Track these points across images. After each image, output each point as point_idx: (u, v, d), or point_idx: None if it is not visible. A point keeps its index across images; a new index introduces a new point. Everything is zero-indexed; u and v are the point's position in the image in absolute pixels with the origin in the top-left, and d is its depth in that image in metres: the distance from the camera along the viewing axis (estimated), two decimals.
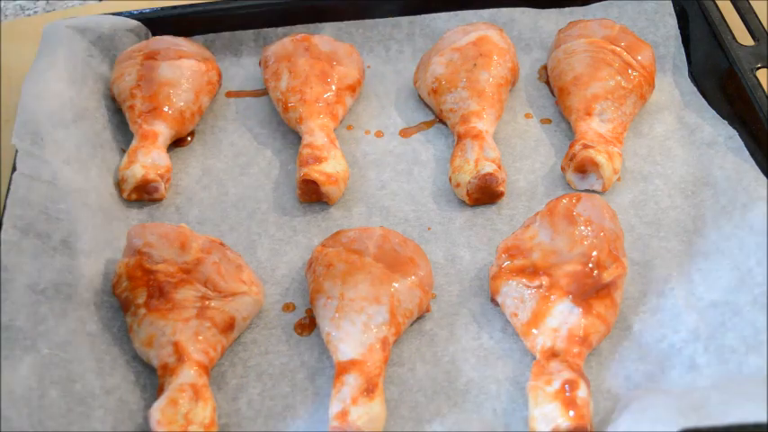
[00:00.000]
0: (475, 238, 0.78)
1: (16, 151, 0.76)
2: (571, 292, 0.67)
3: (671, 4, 0.94)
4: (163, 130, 0.84)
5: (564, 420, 0.61)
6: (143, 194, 0.81)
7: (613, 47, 0.87)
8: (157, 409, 0.61)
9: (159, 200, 0.82)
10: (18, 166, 0.75)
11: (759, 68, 0.83)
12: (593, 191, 0.81)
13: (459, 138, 0.83)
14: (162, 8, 0.95)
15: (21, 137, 0.76)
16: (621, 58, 0.86)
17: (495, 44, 0.88)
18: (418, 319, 0.71)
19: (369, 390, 0.63)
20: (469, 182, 0.79)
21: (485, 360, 0.69)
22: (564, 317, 0.67)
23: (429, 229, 0.79)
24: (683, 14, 0.94)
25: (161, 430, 0.61)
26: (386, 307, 0.68)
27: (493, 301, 0.72)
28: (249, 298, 0.70)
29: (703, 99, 0.88)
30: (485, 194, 0.80)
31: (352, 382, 0.64)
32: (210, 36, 0.96)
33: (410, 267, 0.71)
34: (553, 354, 0.65)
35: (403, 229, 0.78)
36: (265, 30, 0.96)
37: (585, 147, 0.80)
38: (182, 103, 0.85)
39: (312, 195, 0.80)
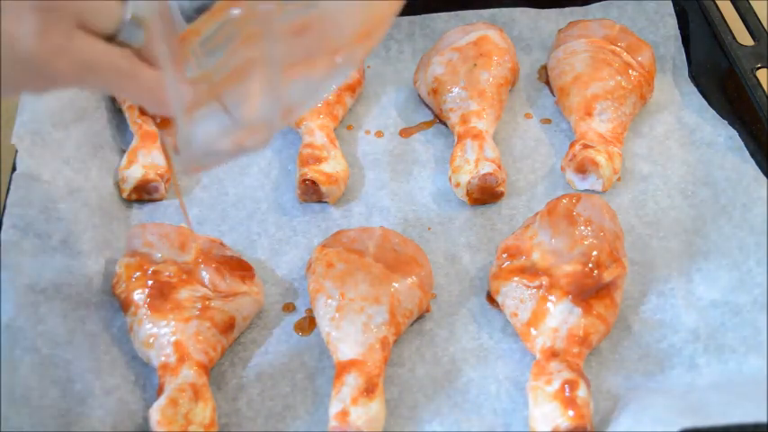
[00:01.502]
0: (475, 238, 0.78)
1: (16, 151, 0.76)
2: (571, 292, 0.67)
3: (671, 4, 0.94)
4: None
5: (564, 420, 0.61)
6: (143, 194, 0.81)
7: (613, 47, 0.87)
8: (157, 409, 0.61)
9: (159, 200, 0.82)
10: (18, 166, 0.75)
11: (759, 68, 0.83)
12: (593, 191, 0.81)
13: (459, 138, 0.83)
14: None
15: (21, 137, 0.76)
16: (621, 59, 0.86)
17: (495, 44, 0.88)
18: (418, 319, 0.71)
19: (369, 390, 0.63)
20: (469, 182, 0.79)
21: (485, 360, 0.69)
22: (564, 317, 0.67)
23: (429, 229, 0.79)
24: (683, 14, 0.94)
25: (161, 430, 0.60)
26: (386, 307, 0.68)
27: (489, 300, 0.72)
28: (249, 298, 0.70)
29: (703, 99, 0.88)
30: (485, 194, 0.80)
31: (352, 381, 0.64)
32: None
33: (410, 267, 0.71)
34: (553, 354, 0.65)
35: (403, 229, 0.78)
36: None
37: (585, 147, 0.80)
38: None
39: (312, 195, 0.80)
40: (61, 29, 0.48)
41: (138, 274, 0.69)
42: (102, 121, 0.85)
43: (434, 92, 0.87)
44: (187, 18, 0.54)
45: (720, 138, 0.83)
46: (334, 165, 0.81)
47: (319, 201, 0.81)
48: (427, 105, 0.90)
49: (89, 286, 0.71)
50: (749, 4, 0.89)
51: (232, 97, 0.53)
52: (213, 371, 0.68)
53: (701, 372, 0.66)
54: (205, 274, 0.69)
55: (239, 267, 0.72)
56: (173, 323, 0.66)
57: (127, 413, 0.64)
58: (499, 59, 0.87)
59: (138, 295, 0.68)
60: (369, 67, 0.94)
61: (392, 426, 0.64)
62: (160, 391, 0.64)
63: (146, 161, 0.81)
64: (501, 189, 0.80)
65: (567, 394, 0.62)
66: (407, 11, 0.97)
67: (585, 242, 0.69)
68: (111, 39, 0.50)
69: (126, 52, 0.51)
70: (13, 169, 0.75)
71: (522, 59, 0.94)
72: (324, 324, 0.68)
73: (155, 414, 0.61)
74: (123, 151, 0.85)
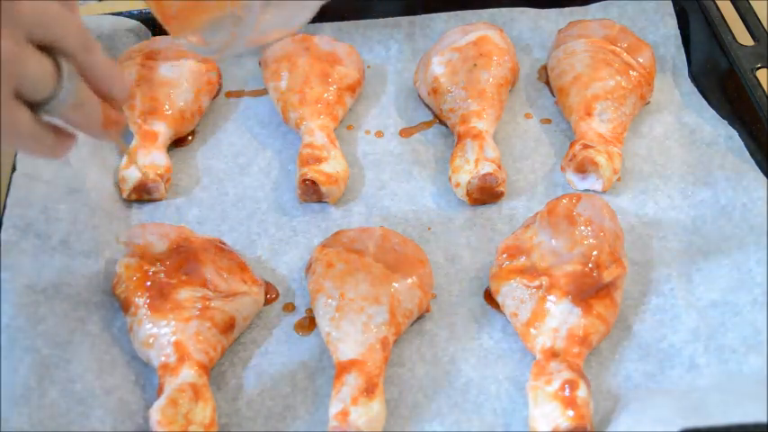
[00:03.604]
0: (475, 238, 0.78)
1: (16, 151, 0.76)
2: (571, 292, 0.67)
3: (671, 4, 0.94)
4: (163, 130, 0.84)
5: (564, 420, 0.61)
6: (143, 194, 0.81)
7: (613, 47, 0.87)
8: (157, 409, 0.61)
9: (159, 200, 0.82)
10: (18, 166, 0.75)
11: (759, 68, 0.83)
12: (593, 191, 0.81)
13: (459, 138, 0.83)
14: None
15: None
16: (621, 59, 0.86)
17: (495, 44, 0.88)
18: (418, 319, 0.71)
19: (369, 390, 0.63)
20: (469, 182, 0.79)
21: (485, 360, 0.69)
22: (564, 317, 0.67)
23: (429, 229, 0.79)
24: (683, 14, 0.94)
25: (161, 430, 0.60)
26: (386, 307, 0.68)
27: (489, 300, 0.72)
28: (249, 298, 0.70)
29: (703, 99, 0.88)
30: (485, 194, 0.80)
31: (352, 381, 0.64)
32: None
33: (410, 267, 0.71)
34: (553, 354, 0.65)
35: (403, 229, 0.78)
36: None
37: (585, 147, 0.80)
38: (182, 103, 0.86)
39: (312, 195, 0.80)
40: (2, 98, 0.50)
41: (138, 274, 0.69)
42: None
43: (434, 92, 0.87)
44: None
45: (720, 138, 0.83)
46: (334, 165, 0.81)
47: (319, 201, 0.81)
48: (427, 105, 0.90)
49: (89, 286, 0.71)
50: (749, 4, 0.90)
51: None
52: (213, 371, 0.68)
53: (701, 372, 0.66)
54: (205, 275, 0.69)
55: (237, 263, 0.71)
56: (173, 323, 0.66)
57: (127, 413, 0.64)
58: (499, 59, 0.87)
59: (138, 295, 0.68)
60: (369, 67, 0.94)
61: (392, 426, 0.64)
62: (160, 391, 0.64)
63: (145, 161, 0.81)
64: (501, 189, 0.80)
65: (567, 394, 0.62)
66: (407, 11, 0.98)
67: (585, 242, 0.69)
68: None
69: (44, 123, 0.53)
70: (14, 169, 0.75)
71: (522, 59, 0.94)
72: (324, 324, 0.68)
73: (155, 414, 0.61)
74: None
